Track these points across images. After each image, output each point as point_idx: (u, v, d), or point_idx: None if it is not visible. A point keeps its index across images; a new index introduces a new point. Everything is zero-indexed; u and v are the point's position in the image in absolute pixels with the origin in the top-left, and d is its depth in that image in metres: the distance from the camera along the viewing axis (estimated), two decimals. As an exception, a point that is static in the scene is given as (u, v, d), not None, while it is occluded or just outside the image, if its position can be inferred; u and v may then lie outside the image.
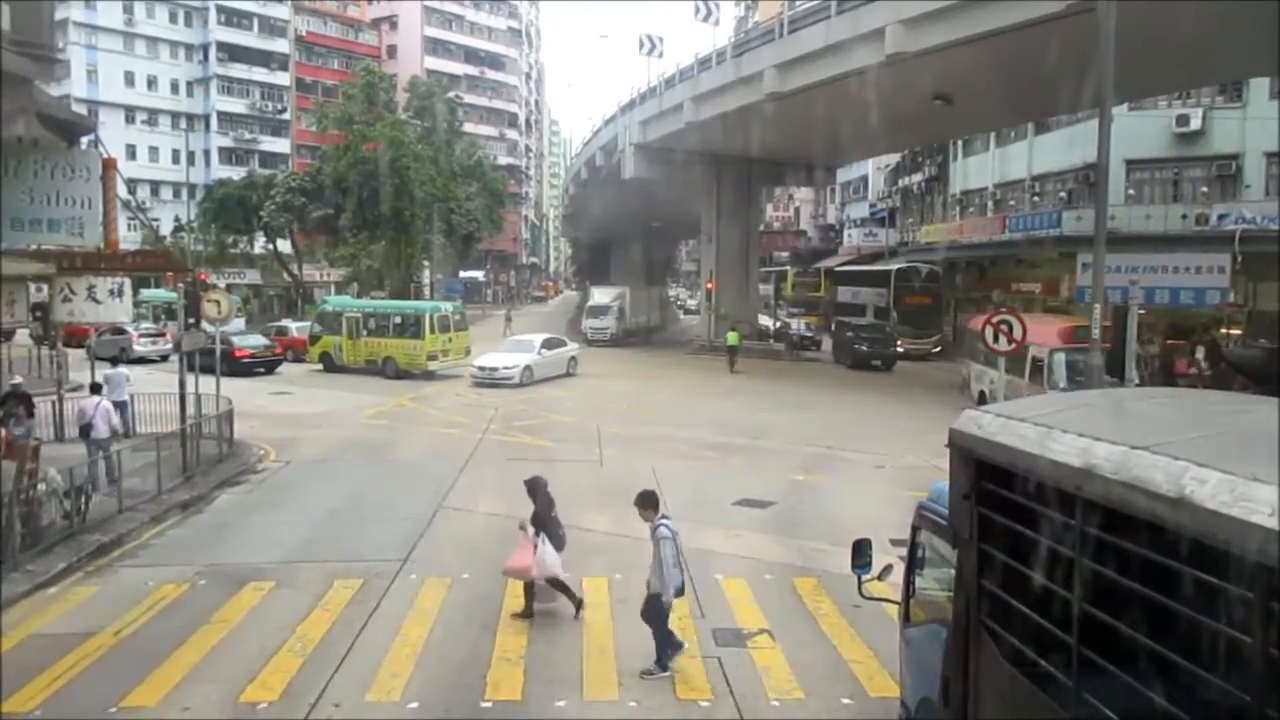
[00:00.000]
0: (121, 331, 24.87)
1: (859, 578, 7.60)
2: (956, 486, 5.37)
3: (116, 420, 17.75)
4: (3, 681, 8.67)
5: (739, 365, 39.85)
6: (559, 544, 10.76)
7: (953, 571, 5.60)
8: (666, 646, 9.39)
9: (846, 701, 8.84)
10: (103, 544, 13.42)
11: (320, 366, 37.05)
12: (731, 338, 41.45)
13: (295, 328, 41.98)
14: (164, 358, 35.61)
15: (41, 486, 13.12)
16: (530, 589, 10.79)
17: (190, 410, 19.13)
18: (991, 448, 4.80)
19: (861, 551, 7.58)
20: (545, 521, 10.77)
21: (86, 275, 17.00)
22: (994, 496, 4.79)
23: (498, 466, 19.52)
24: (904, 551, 7.49)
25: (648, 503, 9.62)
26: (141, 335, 35.85)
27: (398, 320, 36.50)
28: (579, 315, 54.21)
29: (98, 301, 17.36)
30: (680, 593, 9.56)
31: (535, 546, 10.46)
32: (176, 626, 10.45)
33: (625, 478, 18.06)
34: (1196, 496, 3.21)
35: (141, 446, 17.53)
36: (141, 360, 24.61)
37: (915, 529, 7.04)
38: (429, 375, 34.62)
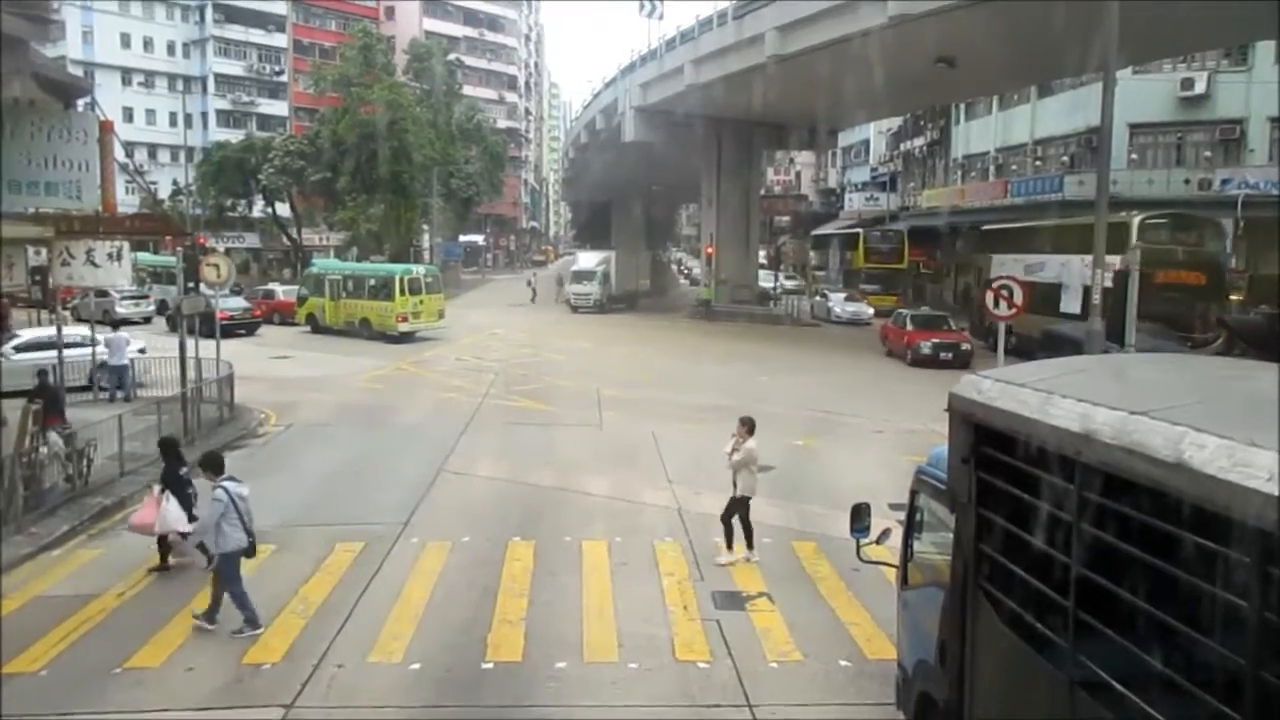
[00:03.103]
0: (104, 294, 25.37)
1: (857, 541, 7.64)
2: (955, 451, 5.38)
3: (133, 348, 21.48)
4: (8, 643, 8.74)
5: (702, 314, 46.66)
6: (186, 502, 11.02)
7: (951, 535, 5.63)
8: (245, 606, 9.43)
9: (844, 663, 8.91)
10: (105, 507, 13.50)
11: (308, 328, 37.83)
12: (705, 293, 50.13)
13: (281, 291, 43.15)
14: (146, 319, 35.83)
15: (43, 449, 13.16)
16: (164, 543, 11.09)
17: (190, 374, 19.14)
18: (991, 412, 4.80)
19: (860, 515, 7.62)
20: (174, 480, 11.04)
21: (85, 239, 16.95)
22: (993, 461, 4.80)
23: (498, 430, 19.58)
24: (902, 515, 7.51)
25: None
26: (124, 298, 36.05)
27: (372, 283, 36.89)
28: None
29: (96, 265, 17.33)
30: (250, 552, 9.66)
31: (159, 503, 10.67)
32: (180, 588, 10.54)
33: (625, 442, 18.17)
34: (1195, 461, 3.22)
35: (142, 410, 17.56)
36: (125, 321, 24.91)
37: (914, 493, 7.06)
38: (406, 337, 34.83)
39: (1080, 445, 3.88)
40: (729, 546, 11.64)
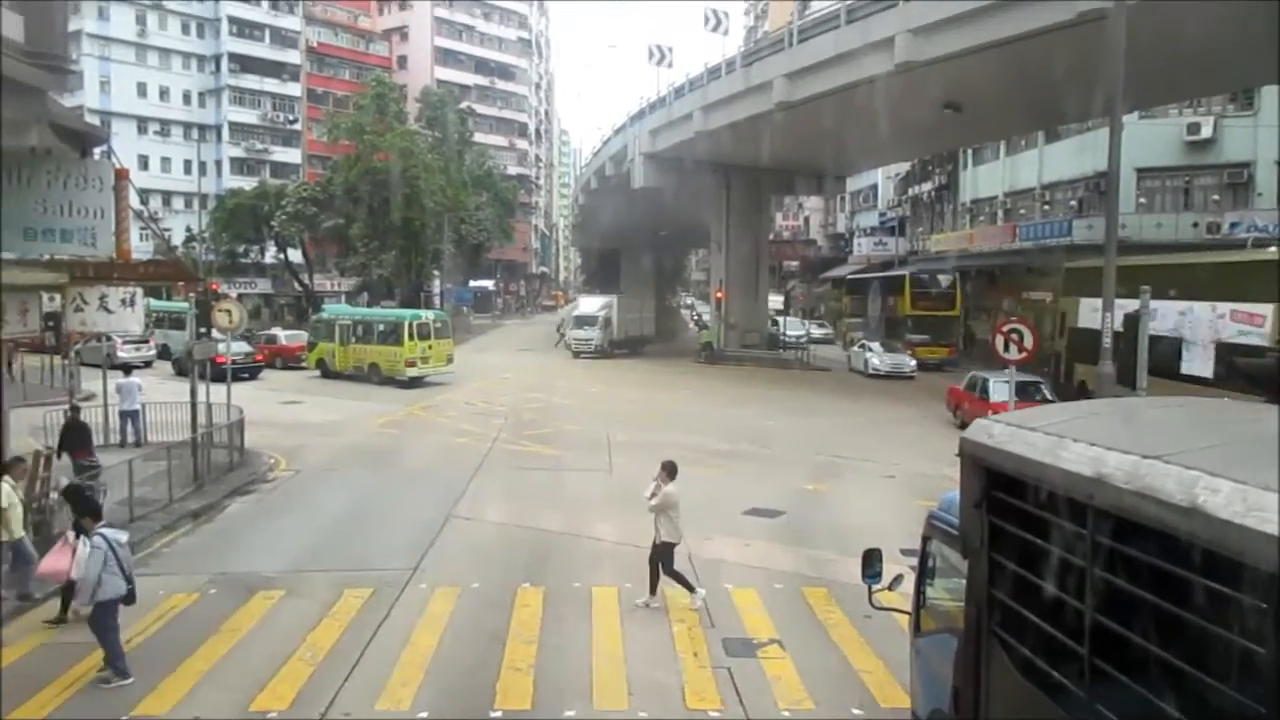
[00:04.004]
0: (106, 338, 25.87)
1: (869, 587, 7.57)
2: (967, 495, 5.35)
3: (141, 396, 21.76)
4: (14, 691, 8.73)
5: (708, 359, 46.97)
6: None
7: (963, 581, 5.59)
8: (115, 653, 9.34)
9: (857, 712, 8.80)
10: (114, 552, 13.43)
11: (318, 372, 38.07)
12: (706, 335, 51.16)
13: (284, 335, 43.91)
14: (147, 364, 36.02)
15: (53, 495, 13.15)
16: (68, 593, 10.77)
17: (201, 419, 19.19)
18: (1002, 456, 4.78)
19: (872, 561, 7.55)
20: (87, 528, 10.65)
21: (99, 285, 17.07)
22: (1005, 505, 4.77)
23: (507, 475, 19.55)
24: (914, 561, 7.46)
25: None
26: (126, 342, 36.34)
27: (381, 328, 37.08)
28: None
29: (109, 311, 17.42)
30: (129, 600, 9.55)
31: (74, 550, 10.38)
32: (187, 635, 10.48)
33: (635, 486, 18.01)
34: (1209, 506, 3.20)
35: (152, 455, 17.59)
36: (126, 366, 25.09)
37: (925, 538, 7.01)
38: (415, 382, 34.90)
39: (1093, 489, 3.86)
40: (651, 591, 11.56)
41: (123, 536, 9.64)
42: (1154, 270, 24.33)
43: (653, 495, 11.59)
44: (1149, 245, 32.22)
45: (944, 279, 46.87)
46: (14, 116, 11.67)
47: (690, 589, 11.55)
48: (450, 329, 39.70)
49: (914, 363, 40.83)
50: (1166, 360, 22.25)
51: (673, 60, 51.22)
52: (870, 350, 41.96)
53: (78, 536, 10.32)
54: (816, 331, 57.25)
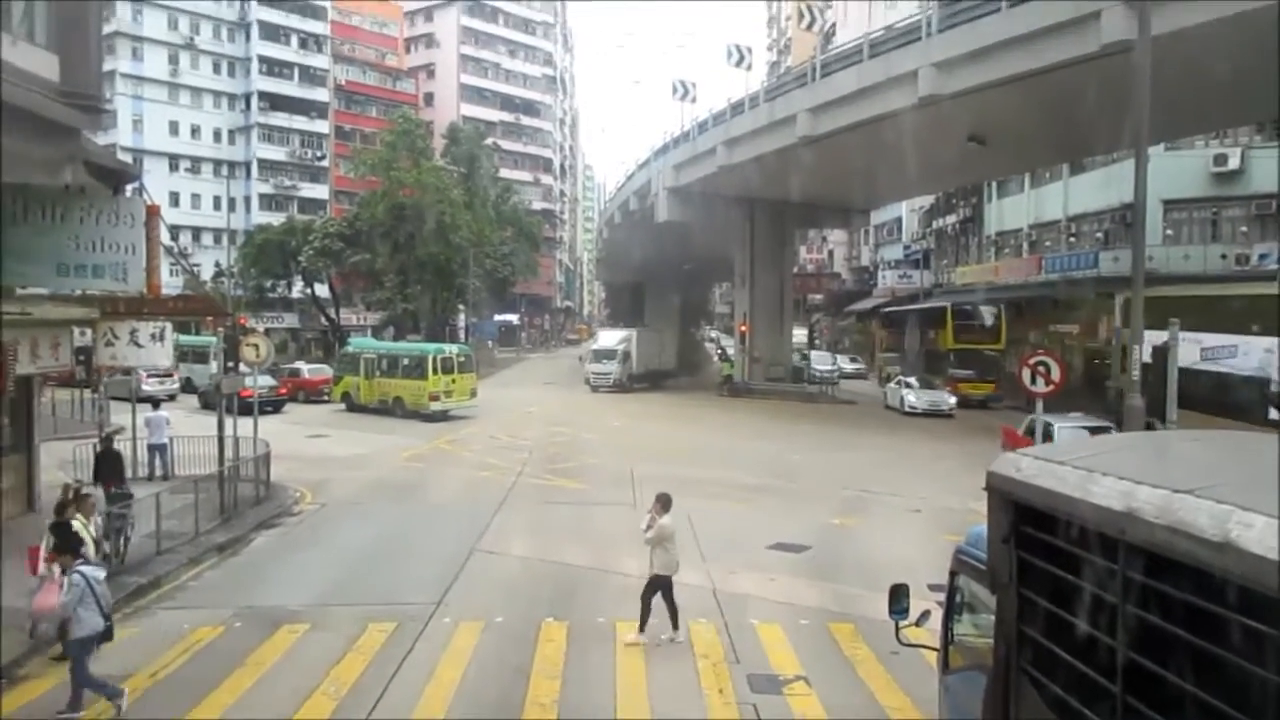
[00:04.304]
0: (129, 372, 26.25)
1: (896, 623, 7.46)
2: (995, 530, 5.29)
3: (169, 430, 22.05)
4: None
5: (730, 392, 47.26)
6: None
7: (992, 617, 5.51)
8: (84, 689, 9.30)
9: (885, 750, 8.68)
10: (141, 585, 13.54)
11: (343, 406, 38.50)
12: (726, 368, 52.20)
13: (306, 370, 44.60)
14: (171, 397, 36.39)
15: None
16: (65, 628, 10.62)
17: (228, 453, 19.32)
18: (1030, 491, 4.72)
19: (899, 597, 7.44)
20: (65, 565, 10.60)
21: (129, 320, 17.32)
22: (1033, 540, 4.71)
23: (532, 509, 19.54)
24: (942, 597, 7.36)
25: None
26: (150, 375, 36.73)
27: (405, 362, 37.43)
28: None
29: (140, 346, 17.69)
30: (107, 637, 9.59)
31: (61, 586, 10.31)
32: (212, 669, 10.49)
33: (659, 521, 17.98)
34: (1242, 541, 3.14)
35: (179, 489, 17.71)
36: (150, 399, 25.39)
37: (953, 574, 6.92)
38: (439, 416, 35.11)
39: (1123, 524, 3.81)
40: (641, 628, 11.41)
41: (100, 574, 9.67)
42: (1239, 302, 23.32)
43: (648, 528, 11.55)
44: (1176, 277, 32.00)
45: (988, 310, 44.93)
46: (49, 155, 11.90)
47: (675, 626, 11.46)
48: (474, 363, 40.00)
49: (953, 400, 39.19)
50: (1246, 400, 20.13)
51: (696, 95, 51.34)
52: (907, 386, 40.35)
53: (63, 573, 10.31)
54: (848, 366, 56.59)
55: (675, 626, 11.47)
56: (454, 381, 36.27)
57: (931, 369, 44.34)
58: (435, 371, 35.62)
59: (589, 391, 48.48)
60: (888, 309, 59.11)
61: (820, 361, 52.72)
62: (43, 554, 10.76)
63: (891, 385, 42.82)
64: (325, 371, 43.56)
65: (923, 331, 48.79)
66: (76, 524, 11.54)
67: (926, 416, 37.73)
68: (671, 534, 11.59)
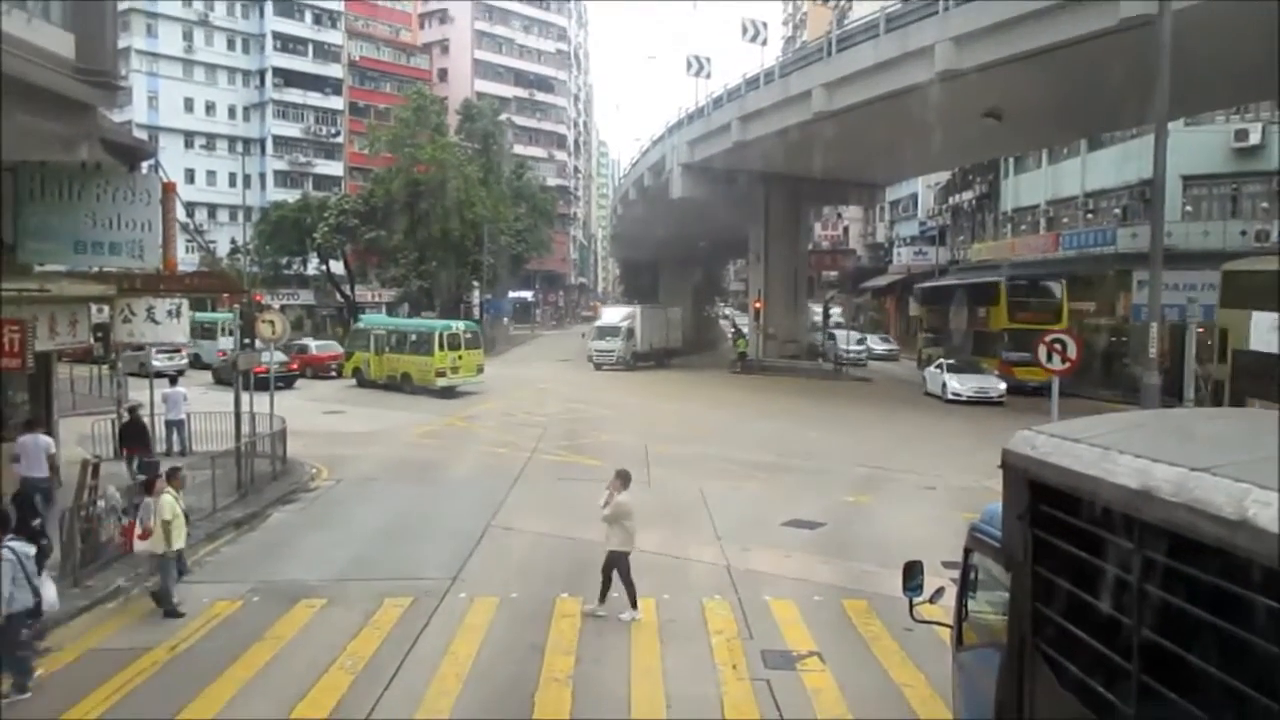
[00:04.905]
0: (140, 348, 26.45)
1: (910, 600, 7.47)
2: (1010, 508, 5.28)
3: (186, 406, 22.36)
4: (64, 695, 8.96)
5: (744, 369, 47.23)
6: (43, 553, 10.71)
7: (1006, 595, 5.51)
8: (20, 667, 9.30)
9: (898, 726, 8.71)
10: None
11: (354, 381, 38.84)
12: (741, 345, 51.65)
13: (315, 346, 44.64)
14: (180, 372, 36.59)
15: (101, 503, 13.37)
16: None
17: (244, 428, 19.42)
18: (1046, 469, 4.71)
19: (913, 574, 7.44)
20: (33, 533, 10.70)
21: (146, 296, 17.39)
22: (1049, 518, 4.70)
23: (546, 485, 19.61)
24: (956, 574, 7.37)
25: None
26: (159, 351, 36.92)
27: (413, 338, 37.70)
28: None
29: (156, 322, 17.76)
30: (35, 614, 9.52)
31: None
32: (230, 643, 10.59)
33: (673, 498, 18.06)
34: (1260, 519, 3.12)
35: (196, 465, 17.83)
36: (159, 374, 25.58)
37: (968, 551, 6.92)
38: (446, 392, 35.23)
39: (1140, 502, 3.79)
40: (601, 600, 11.55)
41: (30, 550, 9.63)
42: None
43: (605, 504, 11.56)
44: (1196, 254, 31.73)
45: (1051, 285, 40.42)
46: (66, 132, 11.94)
47: (633, 605, 11.47)
48: (481, 340, 40.11)
49: (1003, 386, 34.90)
50: None
51: (711, 71, 51.09)
52: (950, 370, 36.69)
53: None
54: (878, 346, 55.76)
55: (634, 605, 11.48)
56: (460, 358, 36.45)
57: (981, 351, 40.29)
58: (441, 348, 35.81)
59: (604, 370, 48.52)
60: (927, 285, 54.70)
61: (847, 341, 50.15)
62: None
63: (931, 369, 39.22)
64: (333, 348, 43.69)
65: (970, 309, 43.87)
66: (168, 498, 11.68)
67: (972, 404, 34.17)
68: (630, 511, 11.61)
